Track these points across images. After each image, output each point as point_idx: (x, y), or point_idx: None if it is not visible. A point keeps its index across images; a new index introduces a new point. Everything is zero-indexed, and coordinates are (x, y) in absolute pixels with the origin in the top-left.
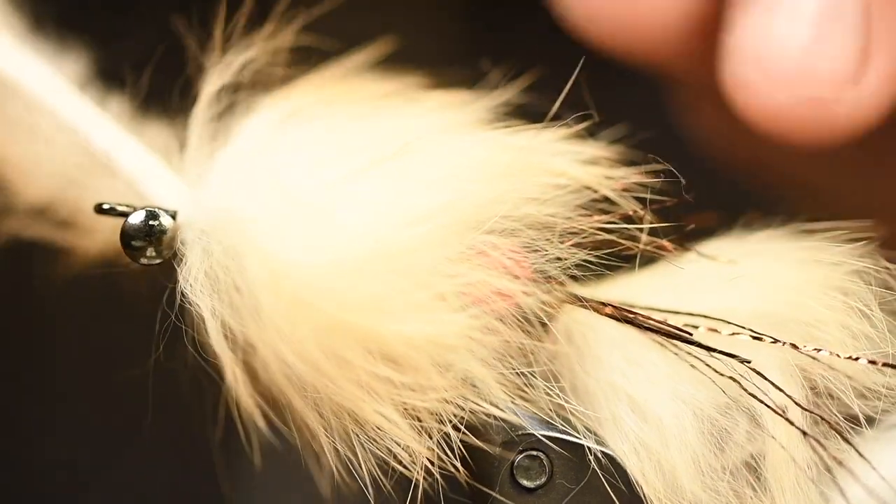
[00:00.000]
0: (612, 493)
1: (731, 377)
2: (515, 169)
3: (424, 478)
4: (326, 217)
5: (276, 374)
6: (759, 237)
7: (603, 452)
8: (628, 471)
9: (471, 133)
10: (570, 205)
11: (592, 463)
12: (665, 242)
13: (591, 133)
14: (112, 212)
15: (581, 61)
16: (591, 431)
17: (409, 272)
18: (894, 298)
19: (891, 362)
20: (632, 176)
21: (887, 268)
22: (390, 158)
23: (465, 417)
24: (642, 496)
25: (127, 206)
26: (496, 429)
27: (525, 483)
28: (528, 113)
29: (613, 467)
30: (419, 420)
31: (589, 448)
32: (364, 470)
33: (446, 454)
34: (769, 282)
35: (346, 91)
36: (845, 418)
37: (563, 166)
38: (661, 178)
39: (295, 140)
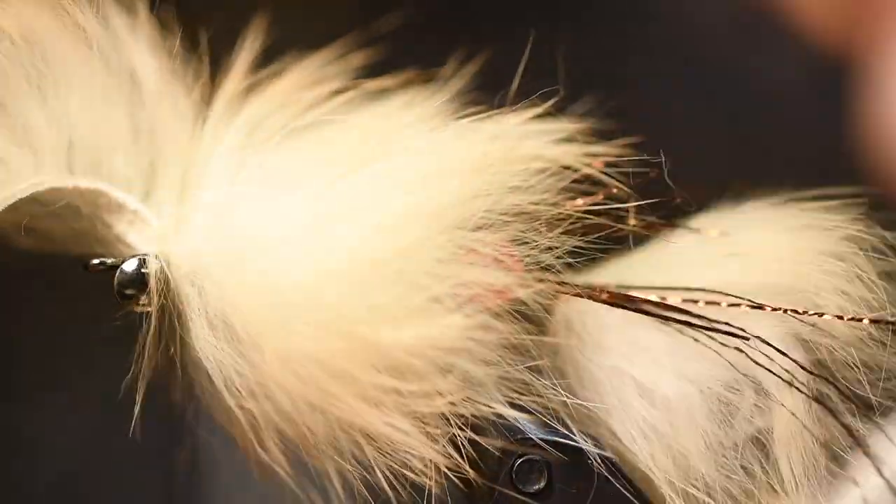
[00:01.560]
0: (612, 497)
1: (735, 347)
2: (492, 159)
3: (436, 483)
4: (310, 234)
5: (284, 405)
6: (749, 208)
7: (602, 456)
8: (627, 474)
9: (439, 127)
10: (553, 190)
11: (593, 467)
12: (654, 220)
13: (559, 109)
14: (102, 266)
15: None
16: (589, 435)
17: (402, 278)
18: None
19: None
20: (609, 151)
21: (882, 234)
22: (365, 164)
23: (468, 420)
24: (644, 498)
25: (115, 258)
26: (495, 433)
27: (524, 487)
28: (487, 98)
29: (613, 471)
30: (427, 426)
31: (588, 452)
32: (383, 483)
33: (452, 458)
34: (763, 252)
35: (306, 100)
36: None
37: (539, 149)
38: (643, 153)
39: (265, 159)
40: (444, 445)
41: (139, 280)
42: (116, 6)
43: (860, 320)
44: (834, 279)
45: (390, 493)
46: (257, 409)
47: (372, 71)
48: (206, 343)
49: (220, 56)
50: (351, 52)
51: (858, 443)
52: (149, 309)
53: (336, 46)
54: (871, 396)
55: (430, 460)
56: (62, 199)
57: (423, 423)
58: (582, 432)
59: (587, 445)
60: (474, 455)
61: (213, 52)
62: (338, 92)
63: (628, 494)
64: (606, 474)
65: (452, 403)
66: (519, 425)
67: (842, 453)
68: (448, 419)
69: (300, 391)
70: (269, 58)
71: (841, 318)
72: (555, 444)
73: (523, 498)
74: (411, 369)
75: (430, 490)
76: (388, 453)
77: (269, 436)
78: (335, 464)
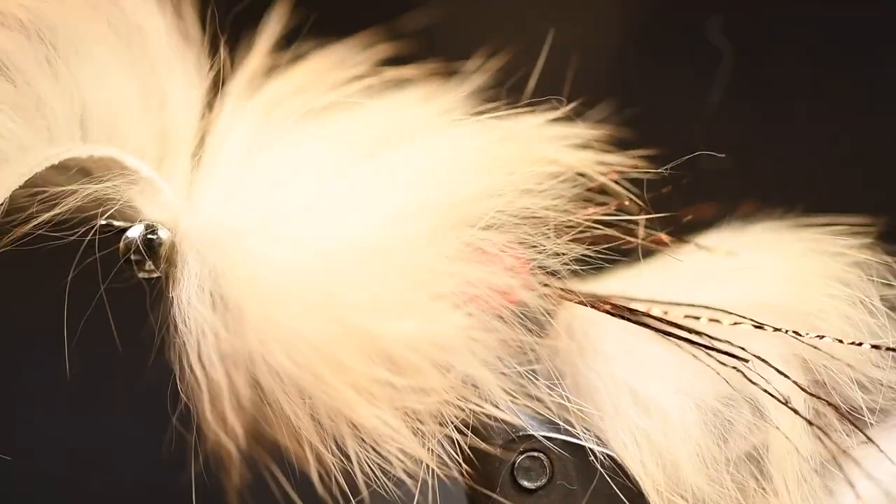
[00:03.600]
0: (612, 494)
1: (734, 367)
2: (507, 159)
3: (424, 479)
4: (319, 218)
5: (270, 384)
6: (758, 228)
7: (604, 453)
8: (629, 471)
9: (457, 123)
10: (565, 196)
11: (595, 464)
12: (662, 236)
13: (577, 114)
14: (109, 228)
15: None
16: (591, 432)
17: (406, 271)
18: (894, 292)
19: (893, 346)
20: (625, 162)
21: (886, 261)
22: (380, 152)
23: (467, 418)
24: (644, 497)
25: (123, 221)
26: (496, 430)
27: (525, 484)
28: (507, 96)
29: (615, 468)
30: (420, 422)
31: (590, 449)
32: (363, 476)
33: (448, 456)
34: (769, 273)
35: (326, 84)
36: (848, 410)
37: (554, 153)
38: (662, 168)
39: (281, 139)
40: (437, 442)
41: (145, 245)
42: None
43: (860, 344)
44: (838, 303)
45: (369, 487)
46: (241, 384)
47: (394, 61)
48: (198, 313)
49: (243, 32)
50: (376, 42)
51: (851, 463)
52: (154, 275)
53: (361, 36)
54: (867, 418)
55: (419, 459)
56: (76, 166)
57: (415, 419)
58: (585, 429)
59: (589, 443)
60: (476, 451)
61: (235, 27)
62: (358, 78)
63: (627, 495)
64: (608, 472)
65: (448, 401)
66: (521, 422)
67: (835, 471)
68: (444, 418)
69: (291, 373)
70: (293, 40)
71: (841, 341)
72: (557, 441)
73: (524, 495)
74: (407, 364)
75: (420, 486)
76: (373, 447)
77: (232, 411)
78: (316, 451)
